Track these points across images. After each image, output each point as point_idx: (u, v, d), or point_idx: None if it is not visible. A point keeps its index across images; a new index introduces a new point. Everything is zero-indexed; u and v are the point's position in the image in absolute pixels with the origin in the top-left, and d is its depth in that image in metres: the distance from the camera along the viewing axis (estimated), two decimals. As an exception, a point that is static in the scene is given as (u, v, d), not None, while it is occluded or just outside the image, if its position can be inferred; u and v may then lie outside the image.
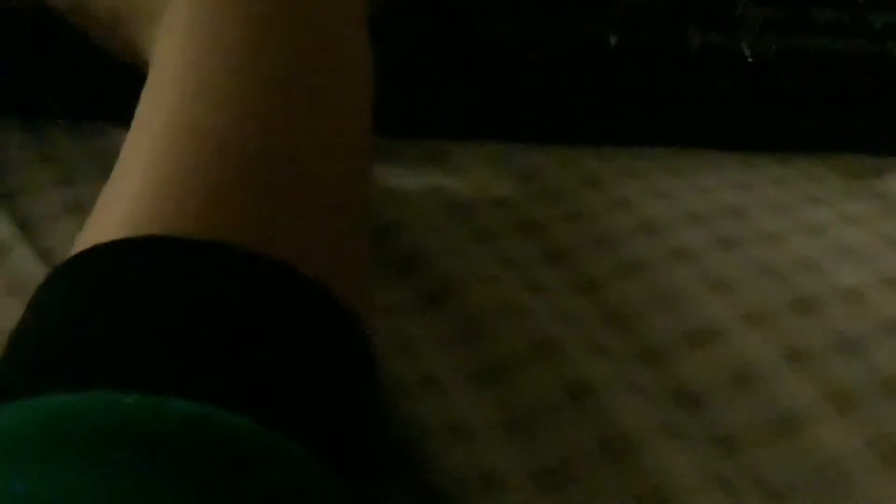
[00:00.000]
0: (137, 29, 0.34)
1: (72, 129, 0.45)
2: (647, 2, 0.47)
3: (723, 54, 0.46)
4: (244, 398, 0.23)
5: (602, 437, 0.32)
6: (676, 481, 0.31)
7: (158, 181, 0.27)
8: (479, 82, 0.46)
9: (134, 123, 0.30)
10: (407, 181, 0.43)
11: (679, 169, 0.45)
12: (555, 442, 0.32)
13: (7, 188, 0.41)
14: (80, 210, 0.40)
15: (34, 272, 0.37)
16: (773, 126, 0.47)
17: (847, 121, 0.47)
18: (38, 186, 0.41)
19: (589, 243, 0.40)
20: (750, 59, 0.45)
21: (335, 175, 0.30)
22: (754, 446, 0.33)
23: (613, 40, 0.45)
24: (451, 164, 0.45)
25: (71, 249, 0.27)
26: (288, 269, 0.26)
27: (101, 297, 0.25)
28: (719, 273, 0.38)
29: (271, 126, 0.29)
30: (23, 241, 0.38)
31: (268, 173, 0.28)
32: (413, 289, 0.37)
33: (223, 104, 0.29)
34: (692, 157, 0.45)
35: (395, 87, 0.45)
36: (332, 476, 0.23)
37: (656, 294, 0.38)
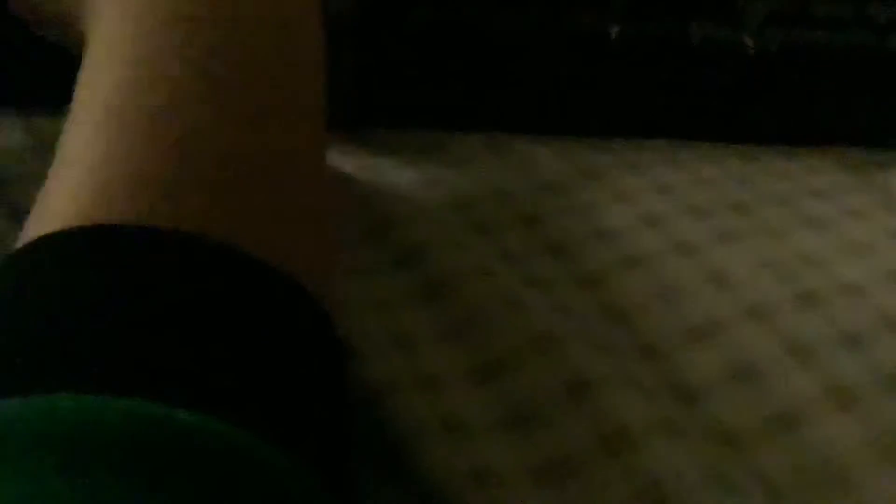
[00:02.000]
0: (71, 10, 0.34)
1: (64, 118, 0.45)
2: (648, -6, 0.47)
3: (725, 47, 0.45)
4: (190, 392, 0.23)
5: (601, 432, 0.32)
6: (676, 477, 0.31)
7: (94, 171, 0.26)
8: (480, 74, 0.46)
9: (71, 110, 0.30)
10: (406, 174, 0.43)
11: (680, 162, 0.44)
12: (553, 437, 0.32)
13: (2, 179, 0.41)
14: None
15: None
16: (774, 119, 0.47)
17: (849, 114, 0.47)
18: (33, 177, 0.41)
19: (589, 237, 0.40)
20: (752, 53, 0.45)
21: (278, 152, 0.29)
22: (754, 442, 0.32)
23: (614, 32, 0.45)
24: (450, 156, 0.45)
25: (18, 239, 0.27)
26: (232, 250, 0.25)
27: (38, 295, 0.24)
28: (720, 267, 0.38)
29: (214, 110, 0.28)
30: (16, 233, 0.38)
31: (203, 154, 0.27)
32: (411, 282, 0.37)
33: (160, 89, 0.28)
34: (693, 151, 0.45)
35: (395, 79, 0.45)
36: (295, 469, 0.23)
37: (657, 288, 0.37)
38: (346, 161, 0.43)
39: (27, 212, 0.39)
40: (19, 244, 0.27)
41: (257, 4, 0.31)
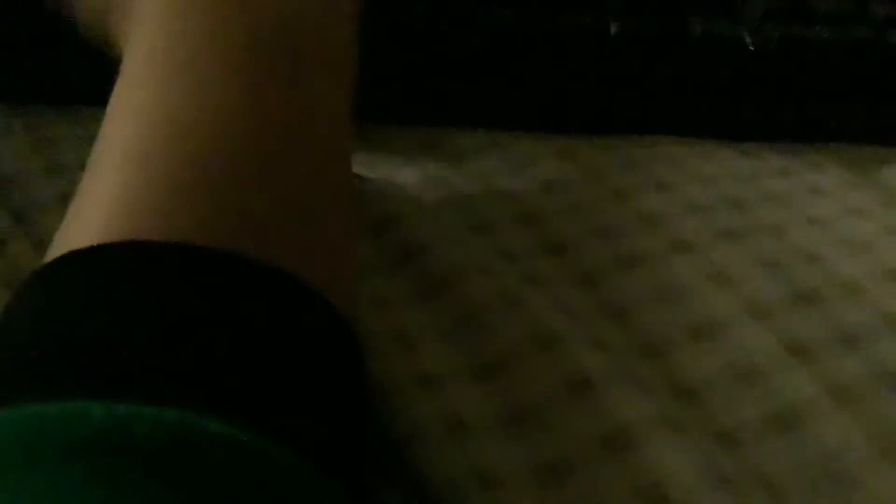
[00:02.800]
0: (112, 23, 0.34)
1: (67, 117, 0.45)
2: (647, -10, 0.46)
3: (724, 43, 0.45)
4: (219, 402, 0.23)
5: (602, 431, 0.32)
6: (676, 476, 0.31)
7: (129, 181, 0.27)
8: (479, 71, 0.46)
9: (105, 122, 0.30)
10: (405, 171, 0.43)
11: (680, 160, 0.44)
12: (554, 436, 0.32)
13: (1, 177, 0.41)
14: (76, 199, 0.40)
15: (30, 264, 0.36)
16: (774, 116, 0.47)
17: (849, 111, 0.47)
18: (33, 176, 0.41)
19: (588, 235, 0.40)
20: (751, 49, 0.45)
21: (314, 165, 0.30)
22: (755, 440, 0.32)
23: (614, 29, 0.45)
24: (449, 153, 0.44)
25: (49, 249, 0.27)
26: (267, 269, 0.26)
27: (73, 305, 0.24)
28: (720, 265, 0.38)
29: (249, 121, 0.28)
30: (18, 233, 0.38)
31: (243, 171, 0.28)
32: (410, 281, 0.37)
33: (194, 99, 0.28)
34: (693, 148, 0.45)
35: (393, 75, 0.45)
36: (320, 479, 0.23)
37: (656, 287, 0.37)
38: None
39: (27, 211, 0.39)
40: (51, 251, 0.27)
41: (293, 5, 0.31)
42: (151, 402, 0.22)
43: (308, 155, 0.30)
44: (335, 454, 0.25)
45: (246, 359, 0.24)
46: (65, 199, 0.40)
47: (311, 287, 0.26)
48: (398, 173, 0.43)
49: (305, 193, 0.29)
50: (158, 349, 0.23)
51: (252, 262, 0.26)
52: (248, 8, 0.30)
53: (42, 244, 0.38)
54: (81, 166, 0.41)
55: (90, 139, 0.43)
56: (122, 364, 0.23)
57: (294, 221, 0.28)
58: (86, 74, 0.45)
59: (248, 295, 0.25)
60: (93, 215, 0.27)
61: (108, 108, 0.30)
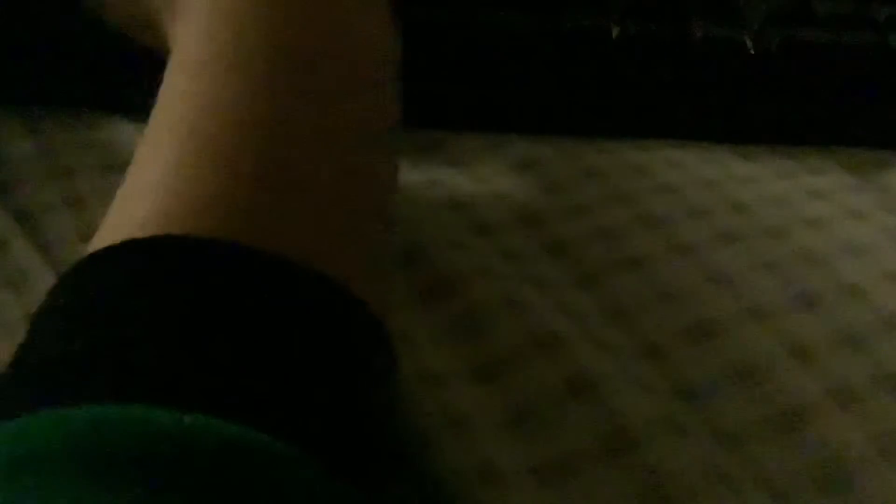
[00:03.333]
0: (158, 17, 0.34)
1: (69, 120, 0.45)
2: (649, -7, 0.47)
3: (725, 47, 0.45)
4: (248, 406, 0.23)
5: (603, 431, 0.32)
6: (678, 476, 0.31)
7: (181, 177, 0.27)
8: (480, 73, 0.46)
9: (151, 119, 0.30)
10: (406, 173, 0.43)
11: (680, 162, 0.44)
12: (555, 436, 0.32)
13: (4, 180, 0.41)
14: (79, 202, 0.40)
15: (32, 266, 0.37)
16: (775, 119, 0.47)
17: (850, 114, 0.47)
18: (36, 178, 0.41)
19: (590, 237, 0.40)
20: (752, 52, 0.45)
21: (358, 171, 0.30)
22: (756, 441, 0.33)
23: (615, 32, 0.45)
24: (450, 155, 0.45)
25: (92, 241, 0.27)
26: (303, 270, 0.26)
27: (100, 304, 0.24)
28: (721, 267, 0.38)
29: (295, 122, 0.29)
30: (21, 235, 0.38)
31: (295, 169, 0.28)
32: (412, 283, 0.37)
33: (249, 98, 0.28)
34: (694, 151, 0.45)
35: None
36: (343, 487, 0.23)
37: (657, 288, 0.37)
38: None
39: (32, 213, 0.39)
40: (91, 246, 0.27)
41: (343, 19, 0.32)
42: (211, 412, 0.22)
43: (356, 160, 0.30)
44: (364, 459, 0.25)
45: (267, 361, 0.24)
46: (67, 201, 0.40)
47: (348, 289, 0.26)
48: (399, 175, 0.43)
49: (344, 197, 0.29)
50: (188, 349, 0.23)
51: (296, 265, 0.26)
52: (299, 9, 0.31)
53: (45, 246, 0.38)
54: (84, 169, 0.42)
55: (93, 142, 0.44)
56: (172, 369, 0.23)
57: (339, 228, 0.28)
58: (89, 78, 0.45)
59: (279, 295, 0.25)
60: (133, 210, 0.27)
61: (159, 97, 0.30)
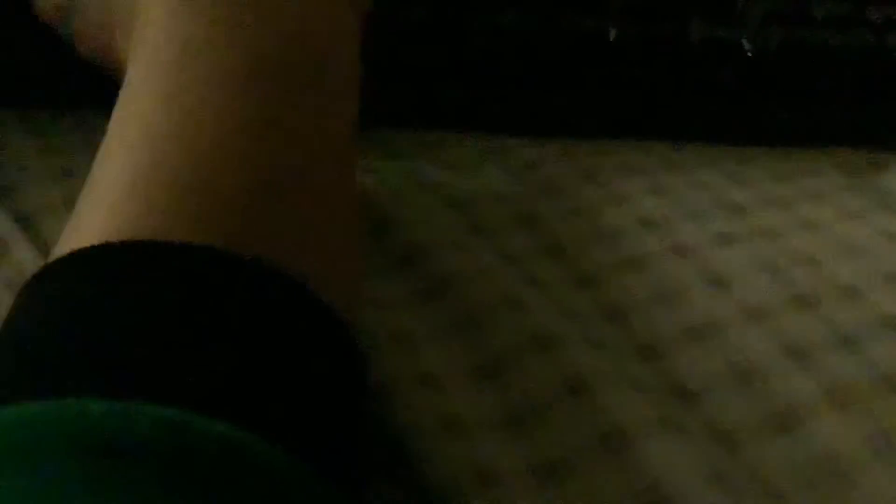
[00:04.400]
0: (113, 37, 0.34)
1: (71, 121, 0.45)
2: (647, -5, 0.47)
3: (723, 48, 0.46)
4: (221, 403, 0.23)
5: (600, 432, 0.32)
6: (675, 477, 0.31)
7: (136, 185, 0.27)
8: (478, 75, 0.46)
9: (109, 130, 0.30)
10: (403, 175, 0.43)
11: (678, 164, 0.44)
12: (553, 437, 0.32)
13: (5, 182, 0.41)
14: (80, 204, 0.40)
15: (34, 267, 0.37)
16: (773, 121, 0.47)
17: (848, 115, 0.47)
18: (38, 180, 0.41)
19: (587, 238, 0.40)
20: (750, 54, 0.45)
21: (319, 174, 0.30)
22: (753, 442, 0.33)
23: (613, 33, 0.45)
24: (448, 156, 0.45)
25: (53, 250, 0.27)
26: (267, 271, 0.26)
27: (76, 304, 0.25)
28: (718, 269, 0.38)
29: (250, 126, 0.29)
30: (22, 236, 0.38)
31: (247, 174, 0.28)
32: (410, 283, 0.37)
33: (199, 107, 0.29)
34: (691, 152, 0.45)
35: (393, 79, 0.45)
36: (315, 480, 0.23)
37: (655, 289, 0.38)
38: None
39: (32, 216, 0.40)
40: (53, 254, 0.27)
41: (298, 22, 0.32)
42: (151, 400, 0.22)
43: (316, 163, 0.30)
44: (335, 457, 0.25)
45: (245, 360, 0.24)
46: (69, 203, 0.40)
47: (315, 292, 0.27)
48: (397, 177, 0.43)
49: (311, 200, 0.29)
50: (156, 349, 0.24)
51: (250, 262, 0.26)
52: (253, 22, 0.31)
53: (46, 248, 0.38)
54: (85, 170, 0.42)
55: (94, 143, 0.43)
56: (119, 364, 0.23)
57: (298, 227, 0.28)
58: (89, 78, 0.45)
59: (246, 296, 0.26)
60: (95, 217, 0.27)
61: (114, 113, 0.31)
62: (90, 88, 0.45)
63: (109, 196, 0.27)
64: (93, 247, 0.26)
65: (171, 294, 0.25)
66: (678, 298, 0.37)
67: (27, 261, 0.37)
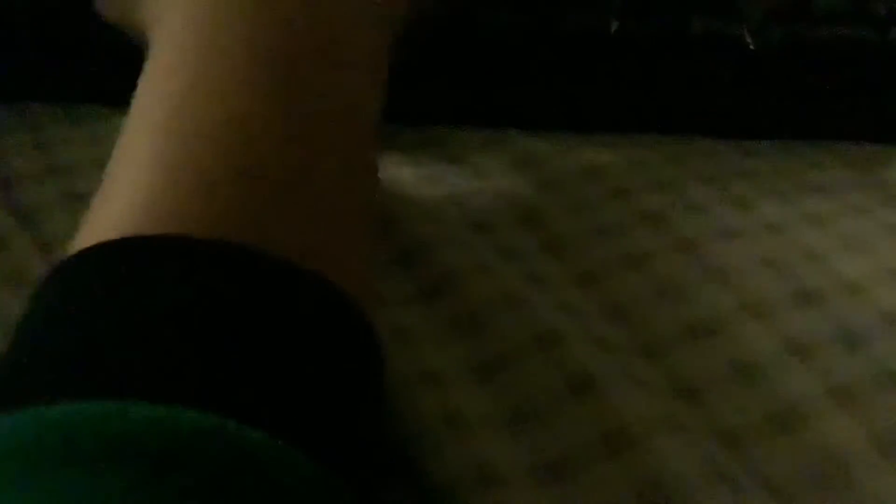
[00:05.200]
0: (142, 9, 0.34)
1: (68, 116, 0.45)
2: (648, -11, 0.46)
3: (725, 43, 0.45)
4: (256, 409, 0.23)
5: (602, 430, 0.32)
6: (677, 475, 0.31)
7: (157, 177, 0.27)
8: (479, 69, 0.46)
9: (131, 114, 0.30)
10: (405, 170, 0.43)
11: (680, 158, 0.44)
12: (555, 435, 0.32)
13: (3, 178, 0.41)
14: (78, 199, 0.40)
15: (33, 263, 0.37)
16: (775, 115, 0.47)
17: (851, 110, 0.47)
18: (35, 175, 0.41)
19: (589, 234, 0.40)
20: (752, 48, 0.45)
21: (341, 169, 0.30)
22: (755, 440, 0.32)
23: (614, 28, 0.45)
24: (449, 152, 0.45)
25: (70, 242, 0.27)
26: (291, 267, 0.26)
27: (105, 300, 0.24)
28: (720, 264, 0.38)
29: (275, 120, 0.29)
30: (21, 232, 0.38)
31: (271, 168, 0.28)
32: (412, 281, 0.37)
33: (223, 98, 0.28)
34: (693, 147, 0.45)
35: (394, 74, 0.45)
36: (345, 490, 0.23)
37: (657, 286, 0.37)
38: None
39: (31, 210, 0.39)
40: (75, 245, 0.27)
41: (318, 11, 0.31)
42: (189, 404, 0.22)
43: (335, 161, 0.30)
44: (354, 461, 0.25)
45: (280, 363, 0.24)
46: (67, 198, 0.40)
47: (335, 288, 0.26)
48: (398, 172, 0.43)
49: (331, 198, 0.29)
50: (191, 350, 0.23)
51: (271, 259, 0.26)
52: (278, 8, 0.31)
53: (45, 244, 0.38)
54: (84, 166, 0.42)
55: (92, 139, 0.44)
56: (155, 364, 0.23)
57: (316, 222, 0.28)
58: (88, 74, 0.45)
59: (265, 293, 0.25)
60: (116, 209, 0.27)
61: (136, 98, 0.30)
62: (90, 84, 0.45)
63: (128, 186, 0.27)
64: (114, 241, 0.25)
65: (194, 292, 0.25)
66: (681, 294, 0.37)
67: (25, 256, 0.37)
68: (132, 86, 0.31)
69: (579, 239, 0.40)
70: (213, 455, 0.21)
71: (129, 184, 0.27)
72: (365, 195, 0.31)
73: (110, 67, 0.44)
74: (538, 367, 0.34)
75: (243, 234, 0.26)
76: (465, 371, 0.34)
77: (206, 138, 0.28)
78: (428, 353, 0.35)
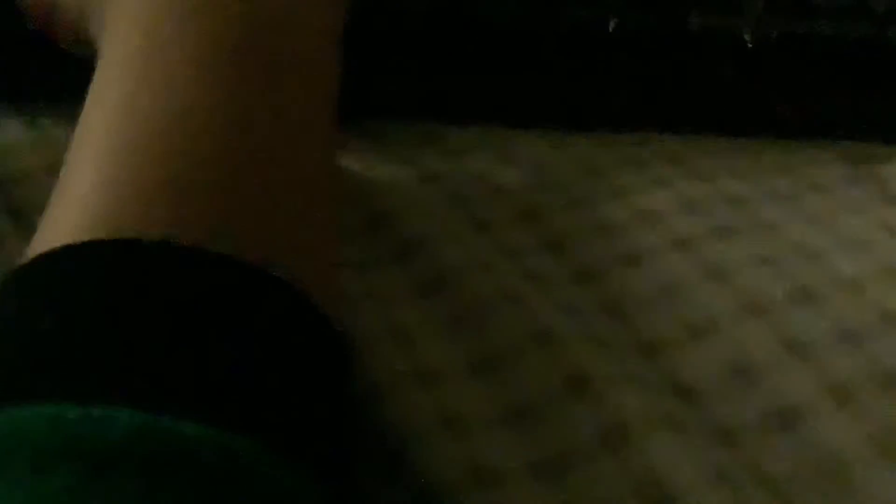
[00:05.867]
0: (89, 24, 0.34)
1: (65, 114, 0.44)
2: (646, -15, 0.46)
3: (723, 39, 0.45)
4: (198, 404, 0.23)
5: (600, 428, 0.32)
6: (676, 474, 0.31)
7: (105, 180, 0.27)
8: (477, 66, 0.46)
9: (81, 120, 0.30)
10: (402, 167, 0.43)
11: (678, 156, 0.44)
12: (553, 434, 0.32)
13: (0, 177, 0.41)
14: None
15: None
16: (773, 112, 0.46)
17: (849, 107, 0.46)
18: (31, 174, 0.41)
19: (587, 232, 0.40)
20: (750, 45, 0.45)
21: (294, 165, 0.30)
22: (754, 439, 0.33)
23: (612, 24, 0.45)
24: (447, 148, 0.44)
25: (26, 251, 0.27)
26: (243, 266, 0.26)
27: (47, 307, 0.24)
28: (718, 263, 0.38)
29: (227, 112, 0.29)
30: (16, 232, 0.38)
31: (219, 166, 0.28)
32: (409, 278, 0.37)
33: (172, 94, 0.28)
34: (691, 145, 0.45)
35: (391, 70, 0.45)
36: (297, 478, 0.23)
37: (655, 284, 0.37)
38: (339, 154, 0.42)
39: (27, 210, 0.39)
40: (29, 252, 0.27)
41: (266, 14, 0.31)
42: (128, 405, 0.21)
43: (282, 154, 0.30)
44: (330, 460, 0.25)
45: (227, 358, 0.24)
46: (63, 196, 0.40)
47: (292, 284, 0.26)
48: (395, 169, 0.42)
49: (278, 192, 0.29)
50: (133, 350, 0.23)
51: (226, 259, 0.26)
52: (220, 11, 0.30)
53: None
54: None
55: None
56: (95, 366, 0.23)
57: (267, 219, 0.28)
58: (84, 71, 0.45)
59: (223, 294, 0.25)
60: (67, 215, 0.27)
61: (84, 107, 0.30)
62: (85, 82, 0.45)
63: (77, 192, 0.27)
64: (62, 248, 0.25)
65: (147, 294, 0.24)
66: (678, 293, 0.37)
67: (20, 254, 0.37)
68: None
69: (577, 237, 0.39)
70: (148, 453, 0.21)
71: (77, 189, 0.27)
72: (326, 186, 0.31)
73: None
74: (536, 366, 0.34)
75: (196, 235, 0.26)
76: (462, 369, 0.34)
77: (157, 136, 0.27)
78: (425, 350, 0.34)
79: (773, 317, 0.36)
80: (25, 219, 0.39)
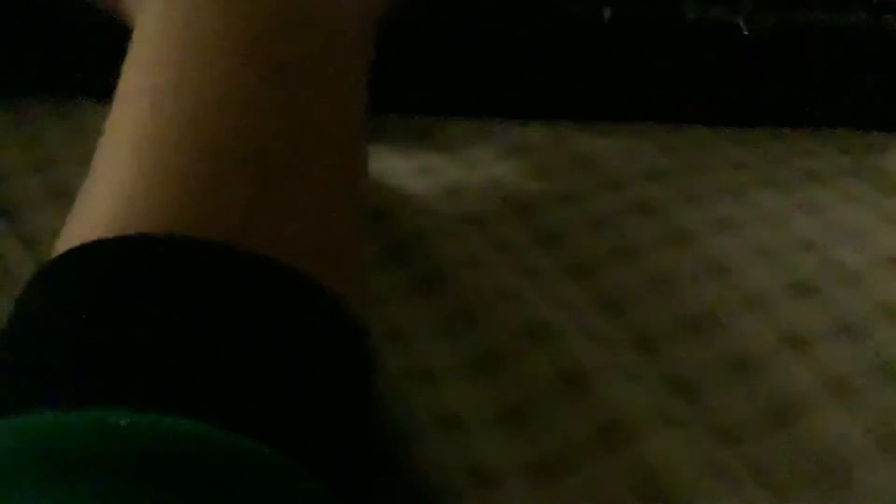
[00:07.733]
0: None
1: (53, 109, 0.44)
2: (641, -24, 0.46)
3: (719, 29, 0.45)
4: (240, 413, 0.22)
5: (598, 425, 0.32)
6: (674, 470, 0.30)
7: (140, 174, 0.26)
8: (472, 58, 0.46)
9: (113, 109, 0.29)
10: (396, 162, 0.43)
11: (674, 147, 0.44)
12: (549, 432, 0.32)
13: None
14: (65, 194, 0.39)
15: (19, 260, 0.36)
16: (770, 102, 0.46)
17: (846, 96, 0.46)
18: (20, 171, 0.40)
19: (582, 225, 0.39)
20: (746, 34, 0.45)
21: (326, 165, 0.29)
22: (752, 433, 0.32)
23: (607, 14, 0.45)
24: (441, 142, 0.44)
25: (56, 239, 0.27)
26: (280, 266, 0.25)
27: (87, 305, 0.24)
28: (716, 256, 0.38)
29: (260, 115, 0.28)
30: (6, 229, 0.38)
31: (256, 164, 0.27)
32: (404, 274, 0.37)
33: (206, 92, 0.28)
34: (687, 135, 0.45)
35: (385, 64, 0.45)
36: (333, 494, 0.23)
37: (651, 278, 0.37)
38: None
39: (16, 207, 0.39)
40: (59, 244, 0.26)
41: (306, 5, 0.31)
42: (174, 412, 0.21)
43: (324, 151, 0.29)
44: (351, 468, 0.24)
45: (259, 368, 0.24)
46: (53, 194, 0.40)
47: (322, 286, 0.26)
48: (388, 163, 0.42)
49: (314, 190, 0.29)
50: (175, 354, 0.23)
51: (261, 258, 0.25)
52: (260, 1, 0.30)
53: (31, 240, 0.38)
54: (70, 161, 0.41)
55: (78, 133, 0.43)
56: (140, 370, 0.22)
57: (302, 218, 0.28)
58: (75, 67, 0.44)
59: (256, 293, 0.25)
60: (100, 207, 0.26)
61: (118, 91, 0.30)
62: (77, 77, 0.45)
63: (112, 183, 0.27)
64: (97, 242, 0.25)
65: (172, 293, 0.24)
66: (675, 287, 0.37)
67: (11, 252, 0.37)
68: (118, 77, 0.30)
69: (572, 231, 0.39)
70: (190, 460, 0.21)
71: (112, 181, 0.27)
72: (355, 186, 0.31)
73: (97, 61, 0.43)
74: (531, 363, 0.33)
75: (229, 233, 0.25)
76: (458, 367, 0.34)
77: (190, 134, 0.27)
78: (420, 349, 0.34)
79: (770, 310, 0.36)
80: (15, 216, 0.38)
